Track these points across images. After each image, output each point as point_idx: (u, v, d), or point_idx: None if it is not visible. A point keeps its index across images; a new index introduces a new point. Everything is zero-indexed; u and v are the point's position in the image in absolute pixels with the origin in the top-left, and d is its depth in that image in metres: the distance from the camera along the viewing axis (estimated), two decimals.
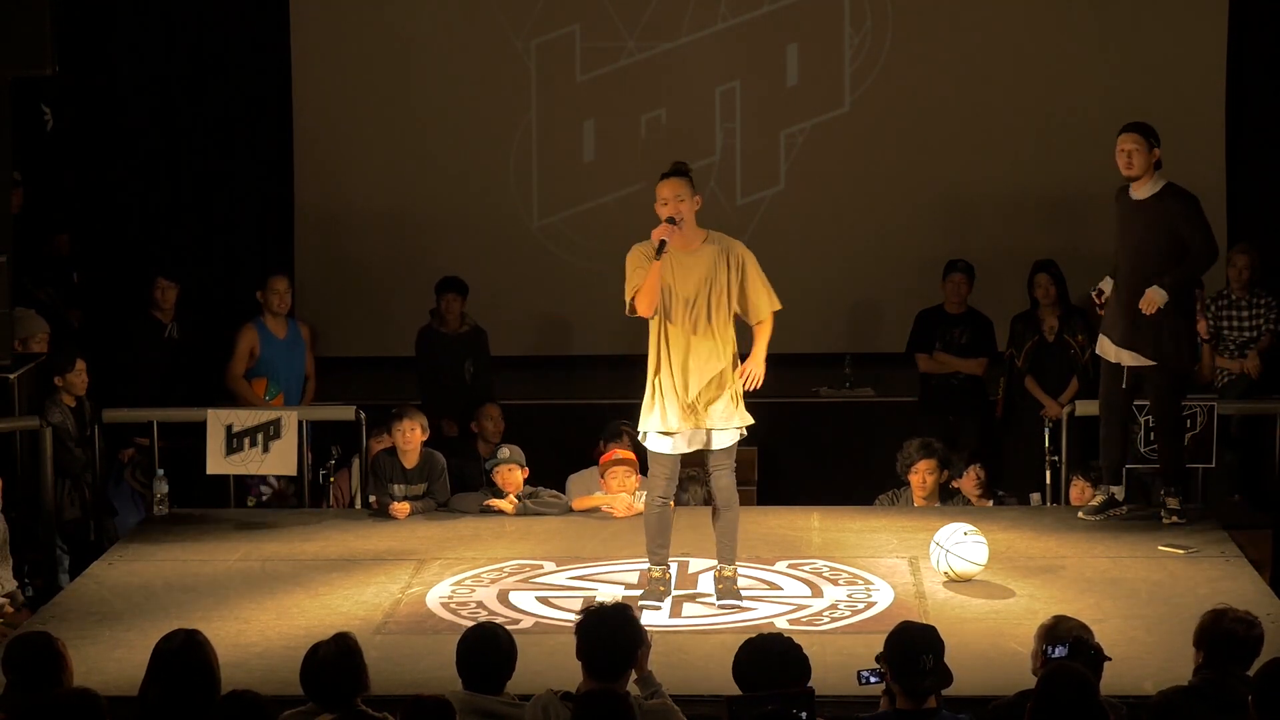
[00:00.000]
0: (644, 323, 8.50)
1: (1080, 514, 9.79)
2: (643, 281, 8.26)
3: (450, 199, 13.66)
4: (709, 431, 8.38)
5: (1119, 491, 9.78)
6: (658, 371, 8.36)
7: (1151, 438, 9.99)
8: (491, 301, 12.88)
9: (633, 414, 10.35)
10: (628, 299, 8.34)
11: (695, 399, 8.31)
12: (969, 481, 10.79)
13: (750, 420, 8.46)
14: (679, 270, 8.31)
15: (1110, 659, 6.33)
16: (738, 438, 8.49)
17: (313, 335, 12.05)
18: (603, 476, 10.26)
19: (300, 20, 13.58)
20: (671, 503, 8.57)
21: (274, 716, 6.00)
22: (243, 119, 13.54)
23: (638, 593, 8.54)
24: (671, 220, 8.26)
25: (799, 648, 6.14)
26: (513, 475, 10.13)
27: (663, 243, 8.23)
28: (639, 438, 8.56)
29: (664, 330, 8.36)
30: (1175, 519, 9.61)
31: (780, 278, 8.49)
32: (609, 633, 6.28)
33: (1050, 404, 11.46)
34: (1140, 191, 9.43)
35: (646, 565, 8.61)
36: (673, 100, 13.64)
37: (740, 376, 8.37)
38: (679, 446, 8.41)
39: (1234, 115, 13.33)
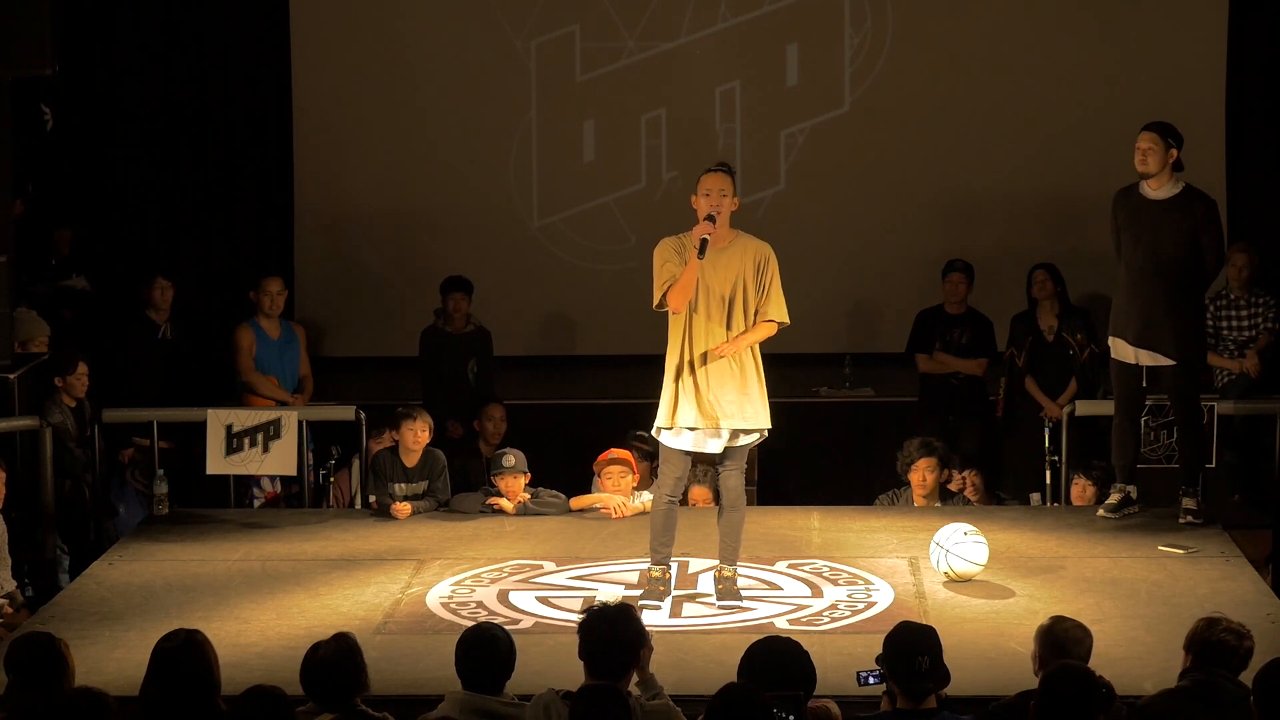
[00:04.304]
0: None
1: (1100, 513, 9.79)
2: (677, 276, 8.22)
3: (450, 199, 13.67)
4: (727, 431, 8.35)
5: (1134, 490, 9.79)
6: (678, 367, 8.32)
7: (1153, 437, 10.01)
8: (491, 301, 12.88)
9: (633, 413, 10.39)
10: (657, 293, 8.29)
11: (714, 397, 8.29)
12: (968, 489, 10.81)
13: (769, 424, 8.40)
14: (707, 267, 8.26)
15: (1116, 699, 6.28)
16: (754, 440, 8.46)
17: (307, 336, 12.05)
18: (599, 475, 10.27)
19: (300, 20, 13.58)
20: (678, 502, 8.57)
21: (294, 712, 6.02)
22: (243, 119, 13.55)
23: (637, 593, 8.53)
24: (711, 218, 8.24)
25: (806, 653, 6.13)
26: (516, 483, 10.13)
27: (704, 241, 8.19)
28: (653, 432, 8.52)
29: (688, 327, 8.33)
30: (1190, 519, 9.60)
31: (781, 278, 8.47)
32: (611, 632, 6.28)
33: (1050, 405, 11.46)
34: (1157, 191, 9.45)
35: (647, 564, 8.60)
36: (673, 100, 13.65)
37: (717, 348, 8.28)
38: (693, 444, 8.38)
39: (1234, 115, 13.34)
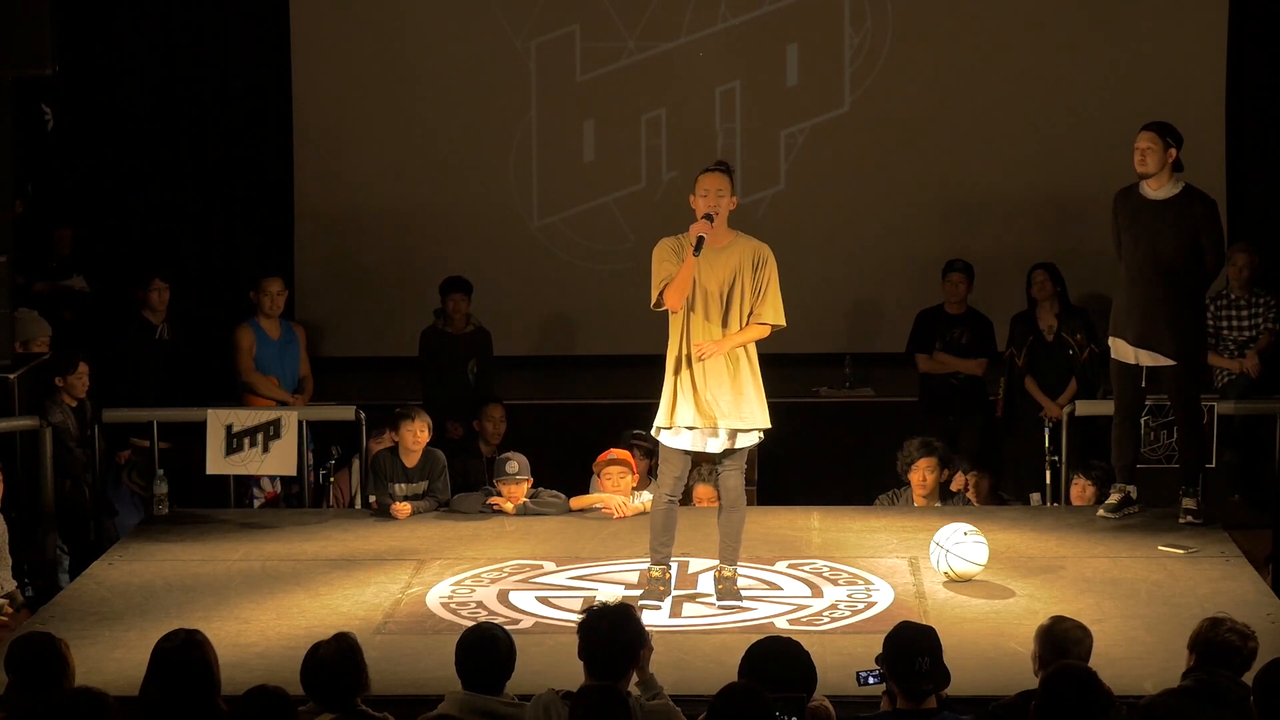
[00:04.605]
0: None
1: (1100, 513, 9.79)
2: (674, 275, 8.23)
3: (450, 199, 13.67)
4: (725, 430, 8.34)
5: (1134, 490, 9.79)
6: (677, 366, 8.32)
7: (1153, 437, 10.02)
8: (491, 301, 12.88)
9: (633, 413, 10.39)
10: (655, 292, 8.30)
11: (711, 397, 8.28)
12: (970, 491, 10.81)
13: (768, 424, 8.40)
14: (705, 266, 8.27)
15: (1115, 702, 6.28)
16: (753, 440, 8.44)
17: (307, 336, 12.04)
18: (598, 476, 10.27)
19: (300, 20, 13.59)
20: (678, 502, 8.56)
21: (296, 712, 6.02)
22: (243, 119, 13.55)
23: (637, 593, 8.53)
24: (709, 216, 8.23)
25: (806, 653, 6.13)
26: (519, 489, 10.12)
27: (700, 239, 8.19)
28: (652, 431, 8.51)
29: (686, 326, 8.33)
30: (1190, 519, 9.60)
31: (781, 277, 8.47)
32: (611, 632, 6.28)
33: (1049, 405, 11.46)
34: (1157, 191, 9.46)
35: (647, 564, 8.60)
36: (673, 100, 13.65)
37: (698, 347, 8.28)
38: (691, 443, 8.36)
39: (1234, 115, 13.34)
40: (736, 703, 5.71)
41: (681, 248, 8.29)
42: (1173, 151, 9.41)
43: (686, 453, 8.43)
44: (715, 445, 8.37)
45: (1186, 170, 9.56)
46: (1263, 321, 11.54)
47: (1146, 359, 9.58)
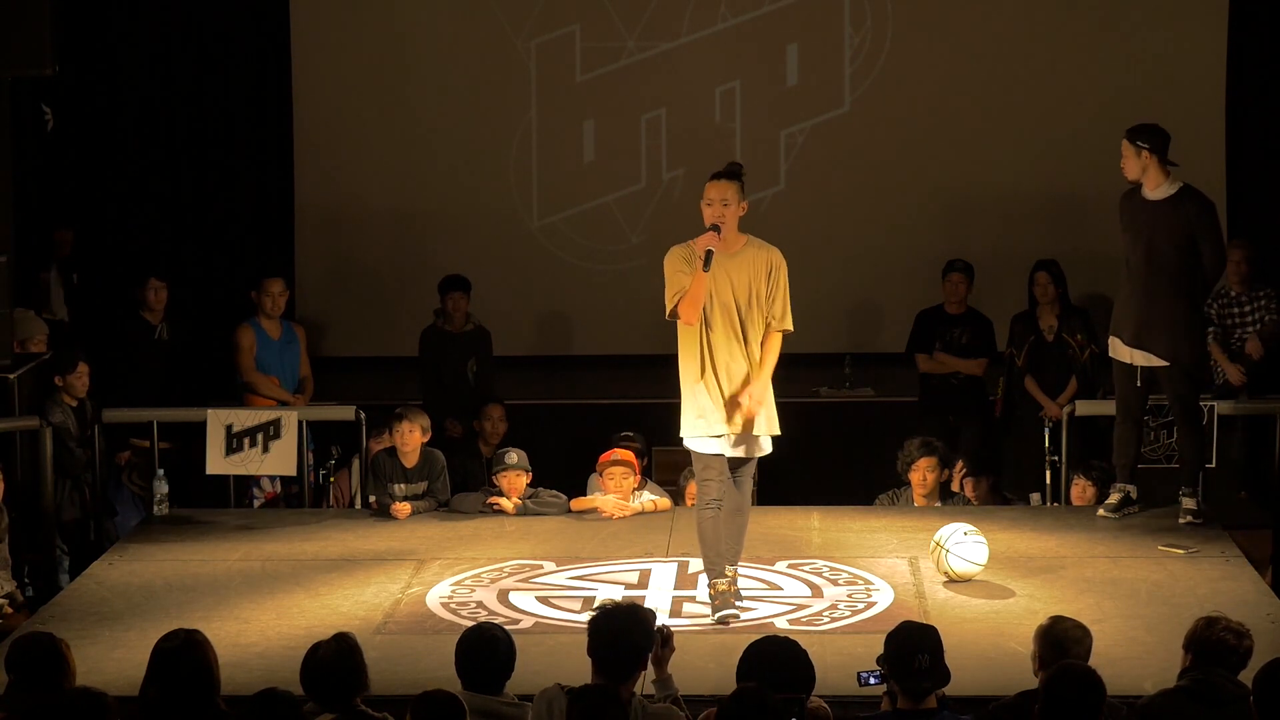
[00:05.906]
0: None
1: (1100, 513, 9.79)
2: (687, 289, 8.14)
3: (450, 199, 13.68)
4: (751, 436, 8.29)
5: (1134, 490, 9.80)
6: (701, 375, 8.21)
7: (1153, 437, 10.03)
8: (491, 301, 12.88)
9: (633, 413, 10.37)
10: (669, 304, 8.20)
11: (738, 403, 8.23)
12: (969, 492, 10.81)
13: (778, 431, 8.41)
14: (718, 272, 8.18)
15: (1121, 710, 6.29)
16: (770, 447, 8.40)
17: (308, 336, 12.04)
18: (600, 476, 10.26)
19: (300, 20, 13.59)
20: (724, 506, 8.47)
21: (303, 713, 6.03)
22: (243, 118, 13.55)
23: (637, 593, 8.53)
24: (714, 228, 8.16)
25: (804, 653, 6.13)
26: (518, 480, 10.12)
27: (709, 253, 8.09)
28: (685, 443, 8.37)
29: (705, 335, 8.24)
30: (1190, 519, 9.60)
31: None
32: (619, 632, 6.29)
33: (1049, 405, 11.46)
34: (1155, 192, 9.46)
35: (706, 579, 8.43)
36: (673, 100, 13.65)
37: (744, 396, 8.21)
38: (729, 448, 8.30)
39: (1234, 115, 13.34)
40: (747, 706, 5.70)
41: (692, 256, 8.19)
42: (1145, 153, 9.40)
43: (723, 457, 8.34)
44: (742, 450, 8.31)
45: (1185, 170, 9.56)
46: (1265, 314, 11.53)
47: (1141, 359, 9.58)
